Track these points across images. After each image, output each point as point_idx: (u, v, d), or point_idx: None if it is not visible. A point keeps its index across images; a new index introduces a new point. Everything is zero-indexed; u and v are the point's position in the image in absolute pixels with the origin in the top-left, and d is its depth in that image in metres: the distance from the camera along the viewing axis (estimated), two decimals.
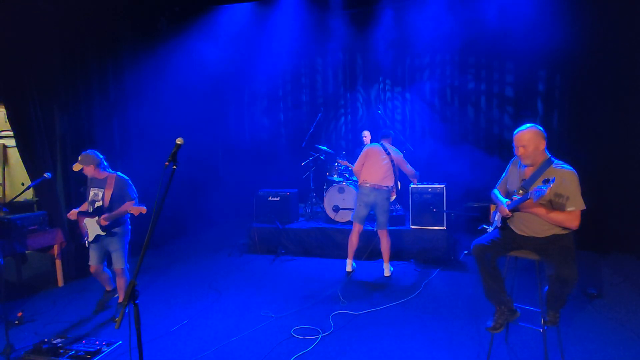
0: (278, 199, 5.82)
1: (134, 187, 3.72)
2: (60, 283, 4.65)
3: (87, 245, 3.69)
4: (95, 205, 3.61)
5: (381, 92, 6.93)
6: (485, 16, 5.72)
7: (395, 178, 4.68)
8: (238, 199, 7.18)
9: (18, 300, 4.21)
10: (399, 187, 4.89)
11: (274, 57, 7.14)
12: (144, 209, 3.49)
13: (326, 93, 7.30)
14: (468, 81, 6.33)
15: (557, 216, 2.50)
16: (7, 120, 4.68)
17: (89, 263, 3.72)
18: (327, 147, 6.11)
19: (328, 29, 6.76)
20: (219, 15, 6.75)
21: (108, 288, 3.93)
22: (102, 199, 3.59)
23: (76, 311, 3.92)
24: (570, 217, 2.47)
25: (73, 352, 3.05)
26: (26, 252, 4.54)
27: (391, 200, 4.68)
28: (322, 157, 6.08)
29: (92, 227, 3.60)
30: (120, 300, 3.92)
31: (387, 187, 4.54)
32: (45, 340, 3.23)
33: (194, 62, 6.61)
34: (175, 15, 6.72)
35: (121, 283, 3.79)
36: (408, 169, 4.78)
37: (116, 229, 3.65)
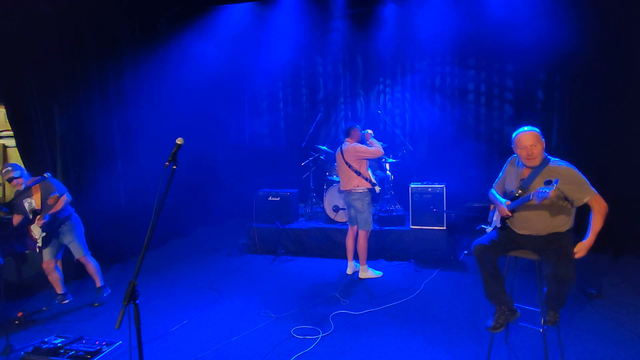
0: (278, 199, 5.82)
1: (59, 182, 4.01)
2: None
3: (38, 251, 3.92)
4: (33, 212, 3.88)
5: (381, 92, 6.92)
6: (485, 17, 5.71)
7: (361, 174, 4.45)
8: (238, 199, 7.17)
9: (18, 300, 4.21)
10: (373, 179, 4.52)
11: (274, 57, 7.13)
12: (56, 195, 3.85)
13: (326, 93, 7.29)
14: (468, 82, 6.32)
15: (597, 218, 2.54)
16: (7, 120, 4.68)
17: (43, 259, 3.94)
18: (327, 147, 6.10)
19: (328, 29, 6.75)
20: (219, 16, 6.73)
21: (59, 291, 4.07)
22: (35, 204, 3.88)
23: (76, 311, 3.93)
24: (597, 205, 2.53)
25: (73, 352, 3.05)
26: (26, 252, 4.55)
27: (374, 193, 4.52)
28: (322, 157, 6.08)
29: (38, 232, 3.84)
30: (97, 285, 4.10)
31: (354, 188, 4.46)
32: (45, 340, 3.23)
33: (193, 62, 6.61)
34: (175, 16, 6.72)
35: (90, 269, 4.07)
36: (371, 150, 4.45)
37: (61, 228, 3.93)
